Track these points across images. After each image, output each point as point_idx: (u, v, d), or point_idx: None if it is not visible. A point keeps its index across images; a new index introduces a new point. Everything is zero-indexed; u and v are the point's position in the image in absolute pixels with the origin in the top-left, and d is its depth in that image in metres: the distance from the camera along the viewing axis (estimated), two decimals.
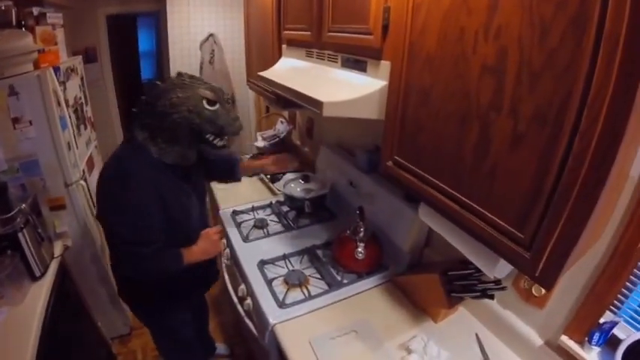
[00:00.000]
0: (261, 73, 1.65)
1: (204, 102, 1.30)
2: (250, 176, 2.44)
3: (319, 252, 1.70)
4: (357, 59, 1.22)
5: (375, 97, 1.10)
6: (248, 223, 1.93)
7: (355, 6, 1.15)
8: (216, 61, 3.38)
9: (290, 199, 1.95)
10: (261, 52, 2.07)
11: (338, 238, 1.63)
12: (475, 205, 0.86)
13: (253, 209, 2.05)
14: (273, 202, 2.10)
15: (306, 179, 2.00)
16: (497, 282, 1.23)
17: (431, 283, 1.35)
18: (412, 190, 1.07)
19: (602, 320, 1.03)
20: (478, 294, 1.25)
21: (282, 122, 2.70)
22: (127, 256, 1.31)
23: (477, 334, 1.31)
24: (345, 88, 1.17)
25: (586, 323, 1.05)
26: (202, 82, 1.36)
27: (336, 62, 1.34)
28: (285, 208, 2.05)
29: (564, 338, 1.09)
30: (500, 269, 1.00)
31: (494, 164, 0.79)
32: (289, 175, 2.08)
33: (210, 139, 1.36)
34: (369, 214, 1.59)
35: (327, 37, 1.33)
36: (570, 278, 1.06)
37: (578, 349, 1.05)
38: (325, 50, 1.41)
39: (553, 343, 1.13)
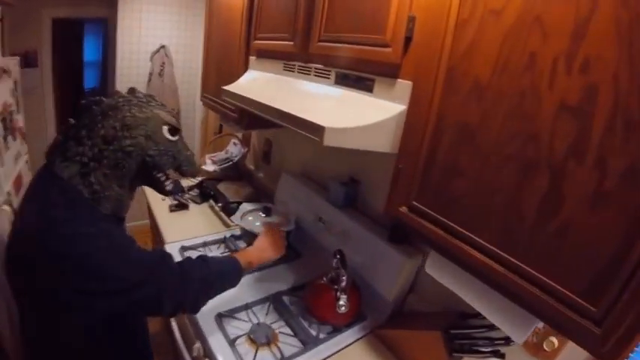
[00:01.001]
0: (228, 88, 1.41)
1: (166, 129, 1.03)
2: (199, 203, 2.15)
3: (286, 299, 1.45)
4: (360, 76, 1.04)
5: (390, 125, 0.92)
6: None
7: (364, 12, 0.97)
8: (165, 74, 3.07)
9: (248, 235, 1.70)
10: (223, 64, 1.82)
11: (312, 286, 1.40)
12: (529, 269, 0.72)
13: (205, 245, 1.74)
14: (228, 236, 1.81)
15: (267, 212, 1.76)
16: (507, 339, 1.08)
17: (430, 341, 1.18)
18: (433, 242, 0.90)
19: None
20: (488, 354, 1.10)
21: (235, 144, 2.45)
22: (159, 288, 0.98)
23: None
24: (349, 112, 0.98)
25: None
26: (160, 103, 1.09)
27: (328, 78, 1.15)
28: (242, 244, 1.77)
29: None
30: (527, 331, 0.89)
31: (565, 224, 0.65)
32: (247, 206, 1.82)
33: (162, 179, 1.08)
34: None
35: (317, 47, 1.15)
36: None
37: None
38: (312, 64, 1.21)
39: None
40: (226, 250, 1.74)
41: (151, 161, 1.02)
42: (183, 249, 1.68)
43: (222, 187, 2.25)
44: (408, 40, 0.89)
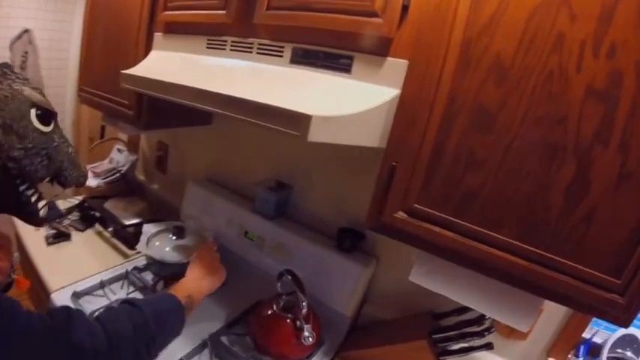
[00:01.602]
0: (132, 72, 1.07)
1: (34, 114, 0.69)
2: (82, 230, 1.70)
3: (225, 340, 1.16)
4: (330, 53, 0.82)
5: (380, 113, 0.73)
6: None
7: None
8: (29, 66, 2.43)
9: (159, 266, 1.36)
10: (113, 46, 1.41)
11: (260, 318, 1.14)
12: (557, 258, 0.69)
13: (103, 285, 1.33)
14: (130, 269, 1.41)
15: (178, 233, 1.43)
16: (487, 329, 1.03)
17: (415, 352, 1.07)
18: (439, 248, 0.79)
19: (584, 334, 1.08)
20: (480, 349, 1.04)
21: (119, 150, 2.01)
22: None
23: None
24: (326, 98, 0.77)
25: (571, 342, 1.07)
26: (23, 76, 0.73)
27: (280, 57, 0.91)
28: (149, 278, 1.41)
29: None
30: None
31: (592, 208, 0.65)
32: (150, 228, 1.46)
33: (32, 199, 0.74)
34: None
35: (265, 16, 0.90)
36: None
37: None
38: (254, 38, 0.96)
39: None
40: (132, 290, 1.36)
41: (15, 168, 0.66)
42: (76, 296, 1.25)
43: (110, 205, 1.81)
44: (404, 8, 0.73)
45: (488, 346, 1.05)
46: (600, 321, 1.08)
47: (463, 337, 1.07)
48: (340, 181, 1.37)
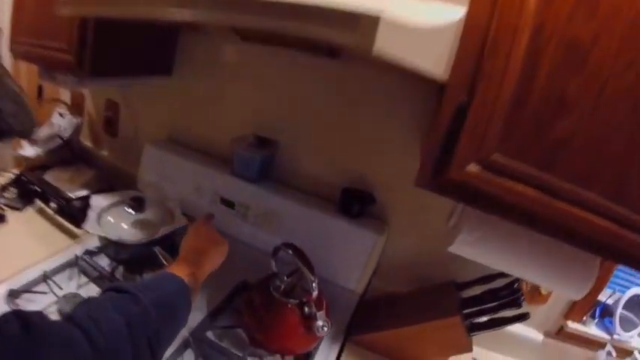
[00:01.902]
0: None
1: None
2: (21, 209, 1.37)
3: (211, 335, 0.92)
4: None
5: (450, 32, 0.52)
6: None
7: None
8: None
9: (116, 248, 1.08)
10: None
11: (256, 306, 0.91)
12: None
13: (46, 278, 1.02)
14: (80, 254, 1.11)
15: (137, 205, 1.14)
16: (516, 298, 0.90)
17: (448, 330, 0.93)
18: (513, 209, 0.60)
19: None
20: (514, 320, 0.89)
21: (60, 114, 1.66)
22: None
23: None
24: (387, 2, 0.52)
25: (587, 305, 1.09)
26: None
27: None
28: (105, 263, 1.12)
29: (568, 322, 1.11)
30: None
31: None
32: (99, 200, 1.15)
33: None
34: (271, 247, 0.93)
35: None
36: None
37: (581, 327, 1.11)
38: None
39: (552, 332, 1.14)
40: (86, 281, 1.07)
41: None
42: (13, 295, 0.94)
43: (51, 177, 1.49)
44: None
45: (524, 317, 0.89)
46: (613, 284, 1.14)
47: (497, 309, 0.92)
48: (341, 132, 1.13)
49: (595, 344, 1.12)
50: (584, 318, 1.11)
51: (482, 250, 0.81)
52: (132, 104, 1.53)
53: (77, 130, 1.64)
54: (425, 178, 0.62)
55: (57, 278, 1.05)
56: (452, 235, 0.85)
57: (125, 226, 1.10)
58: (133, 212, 1.12)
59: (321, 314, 0.82)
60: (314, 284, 0.83)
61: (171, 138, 1.43)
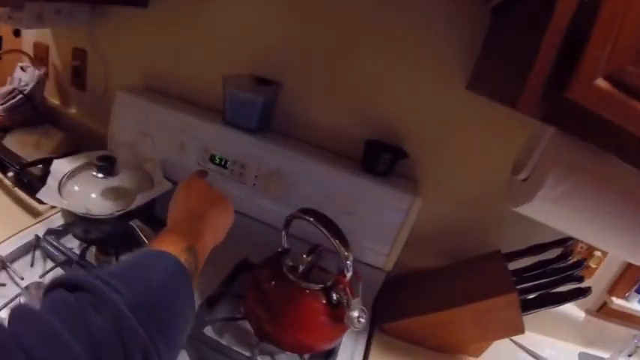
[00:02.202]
0: None
1: None
2: None
3: (210, 331, 0.72)
4: None
5: None
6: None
7: None
8: None
9: (84, 224, 0.85)
10: None
11: (267, 294, 0.69)
12: None
13: (4, 266, 0.80)
14: (42, 234, 0.89)
15: (107, 168, 0.90)
16: (576, 271, 0.78)
17: (502, 310, 0.76)
18: None
19: None
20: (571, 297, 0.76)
21: (22, 68, 1.39)
22: None
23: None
24: None
25: (631, 281, 1.00)
26: None
27: None
28: (73, 245, 0.90)
29: (613, 298, 1.00)
30: None
31: None
32: (61, 165, 0.90)
33: None
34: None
35: None
36: None
37: (625, 303, 1.00)
38: None
39: (594, 309, 1.02)
40: (51, 267, 0.85)
41: None
42: None
43: (13, 141, 1.25)
44: None
45: (584, 293, 0.76)
46: None
47: (554, 284, 0.78)
48: (361, 67, 0.88)
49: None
50: (628, 294, 1.01)
51: (563, 209, 0.60)
52: (101, 50, 1.26)
53: (40, 83, 1.37)
54: (533, 101, 0.39)
55: (17, 265, 0.84)
56: (515, 192, 0.66)
57: (94, 195, 0.87)
58: (102, 176, 0.88)
59: (356, 302, 0.61)
60: (348, 263, 0.61)
61: (149, 86, 1.17)
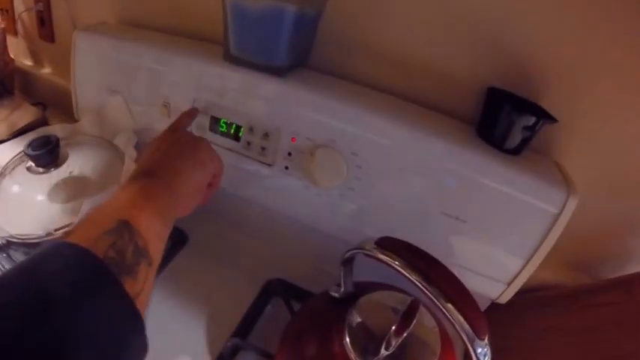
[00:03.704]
0: None
1: None
2: None
3: None
4: None
5: None
6: None
7: None
8: None
9: (26, 248, 0.53)
10: None
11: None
12: None
13: None
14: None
15: (45, 156, 0.53)
16: None
17: None
18: None
19: None
20: None
21: None
22: None
23: None
24: None
25: None
26: None
27: None
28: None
29: None
30: None
31: None
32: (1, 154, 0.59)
33: None
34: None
35: None
36: None
37: None
38: None
39: None
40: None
41: None
42: None
43: None
44: None
45: None
46: None
47: None
48: None
49: None
50: None
51: None
52: None
53: (1, 38, 1.04)
54: None
55: None
56: None
57: (40, 198, 0.55)
58: (43, 170, 0.55)
59: None
60: (480, 351, 0.26)
61: (125, 20, 0.81)
